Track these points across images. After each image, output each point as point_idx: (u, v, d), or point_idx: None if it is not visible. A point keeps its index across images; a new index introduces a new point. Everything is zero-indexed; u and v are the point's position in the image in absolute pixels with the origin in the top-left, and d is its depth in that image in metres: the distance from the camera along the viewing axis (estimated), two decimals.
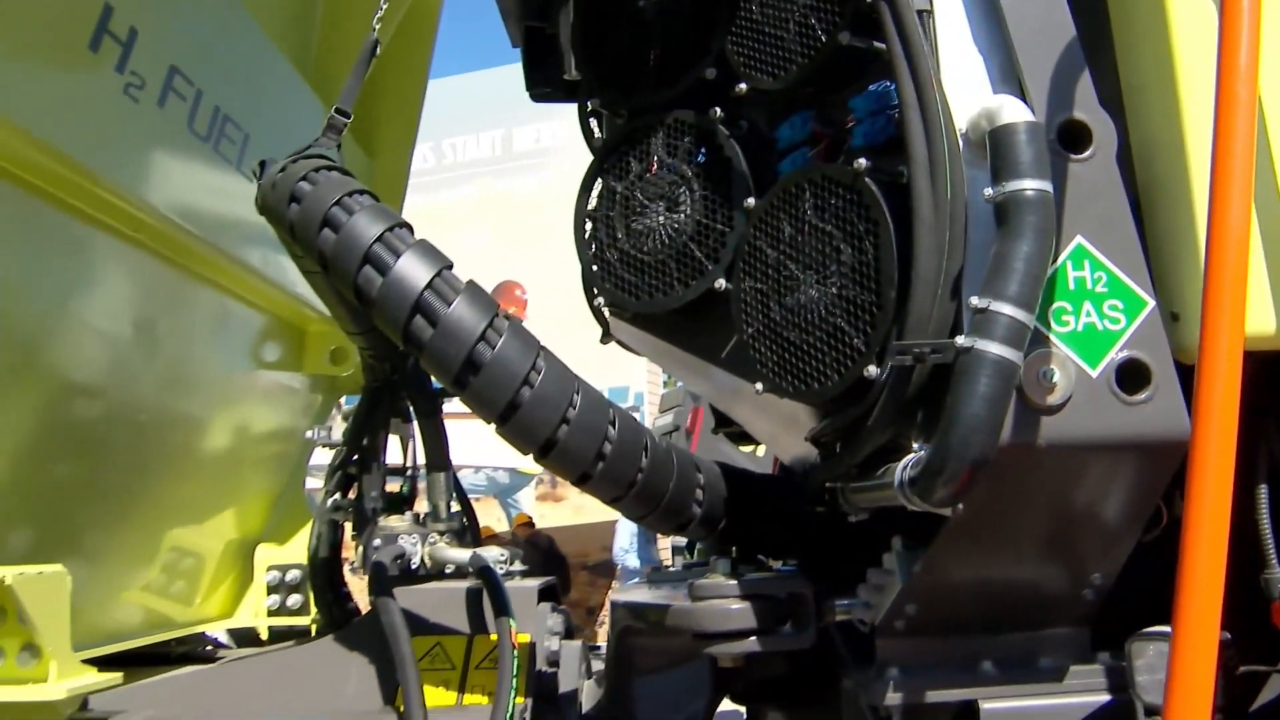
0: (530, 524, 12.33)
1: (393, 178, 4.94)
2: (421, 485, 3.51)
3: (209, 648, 4.10)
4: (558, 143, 16.80)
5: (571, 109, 3.22)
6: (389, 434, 3.54)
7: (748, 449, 5.70)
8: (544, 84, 3.30)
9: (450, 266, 2.30)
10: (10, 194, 2.68)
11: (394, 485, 3.55)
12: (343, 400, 4.89)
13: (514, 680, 2.46)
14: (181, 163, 3.28)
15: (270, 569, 4.13)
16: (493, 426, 2.27)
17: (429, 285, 2.22)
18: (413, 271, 2.23)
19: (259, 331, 4.22)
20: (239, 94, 3.57)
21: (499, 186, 17.20)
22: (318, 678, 2.77)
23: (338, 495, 3.53)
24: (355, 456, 3.47)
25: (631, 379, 14.75)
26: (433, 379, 3.40)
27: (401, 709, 2.53)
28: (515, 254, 15.64)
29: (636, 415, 14.45)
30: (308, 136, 4.09)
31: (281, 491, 4.50)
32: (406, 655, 2.49)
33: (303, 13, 4.44)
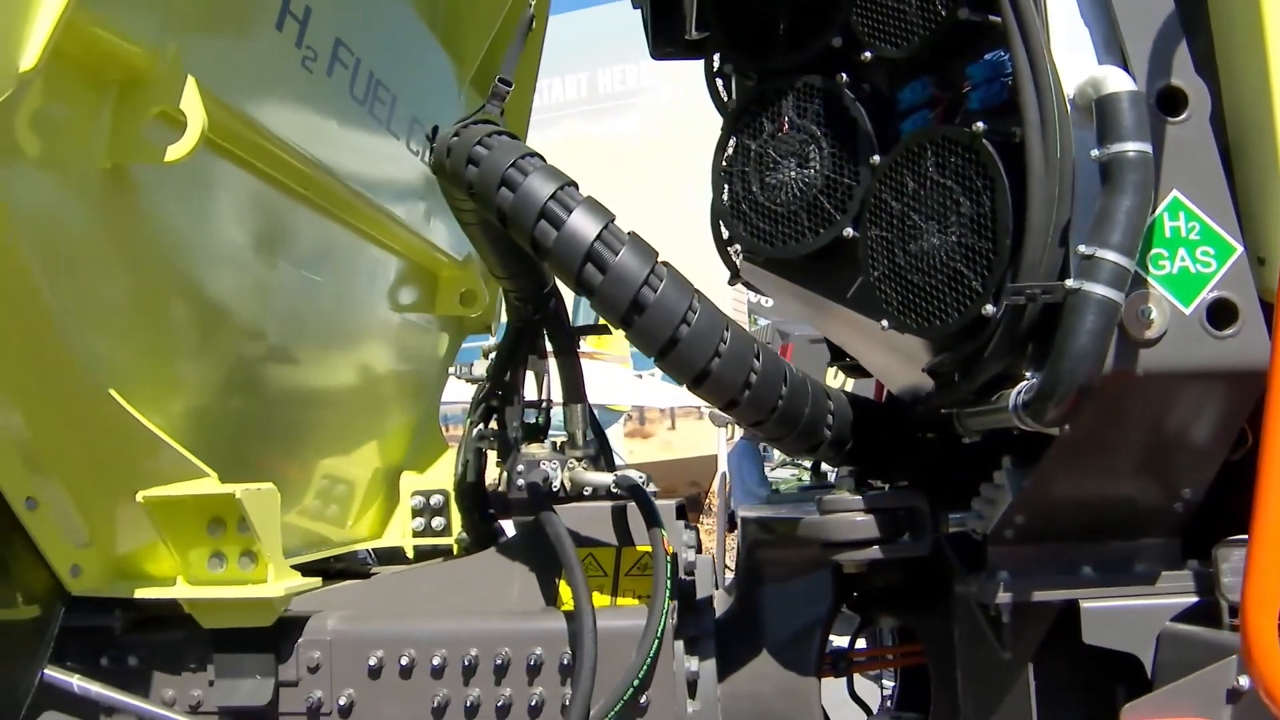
0: None
1: (516, 127, 5.22)
2: (556, 417, 3.85)
3: (363, 564, 4.48)
4: (642, 84, 16.91)
5: None
6: (527, 370, 3.87)
7: (838, 381, 5.94)
8: (667, 43, 3.51)
9: (614, 219, 2.62)
10: (208, 159, 3.02)
11: (529, 417, 3.88)
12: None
13: (668, 582, 2.80)
14: (344, 125, 3.61)
15: (415, 494, 4.47)
16: (654, 359, 2.60)
17: (598, 237, 2.54)
18: (583, 225, 2.56)
19: (399, 276, 4.55)
20: (388, 60, 3.88)
21: (585, 129, 17.42)
22: (486, 584, 3.14)
23: (481, 425, 3.87)
24: (498, 390, 3.81)
25: None
26: (568, 319, 3.73)
27: (565, 609, 2.89)
28: (603, 196, 15.86)
29: None
30: (442, 93, 4.42)
31: (419, 424, 4.85)
32: (573, 560, 2.84)
33: None
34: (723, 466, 12.12)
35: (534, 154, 2.68)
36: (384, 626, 2.92)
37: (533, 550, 3.13)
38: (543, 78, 16.53)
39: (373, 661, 2.83)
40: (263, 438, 3.76)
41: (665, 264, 2.58)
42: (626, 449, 14.33)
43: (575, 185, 2.66)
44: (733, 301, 10.98)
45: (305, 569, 3.97)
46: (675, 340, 2.53)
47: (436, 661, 2.81)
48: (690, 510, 12.52)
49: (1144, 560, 2.61)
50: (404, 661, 2.81)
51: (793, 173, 2.81)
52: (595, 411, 11.21)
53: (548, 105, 17.58)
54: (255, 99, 3.03)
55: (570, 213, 2.56)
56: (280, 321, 3.68)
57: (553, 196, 2.58)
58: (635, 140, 16.07)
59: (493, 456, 3.92)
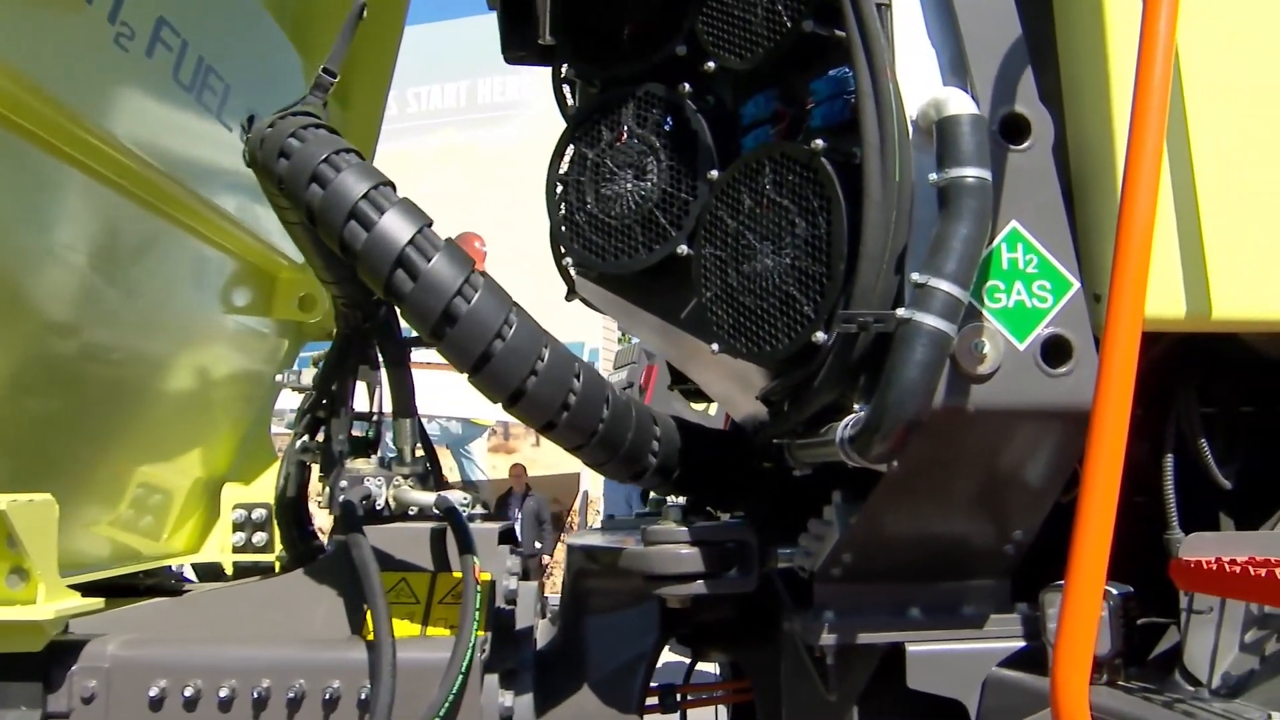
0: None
1: (365, 128, 5.02)
2: (386, 430, 3.65)
3: (175, 581, 4.22)
4: (523, 96, 16.78)
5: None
6: (357, 380, 3.67)
7: (700, 406, 5.89)
8: (519, 47, 3.38)
9: (431, 224, 2.44)
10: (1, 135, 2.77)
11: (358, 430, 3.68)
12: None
13: (476, 614, 2.63)
14: (165, 111, 3.37)
15: (236, 507, 4.24)
16: (465, 375, 2.43)
17: (410, 241, 2.37)
18: (396, 228, 2.38)
19: (232, 276, 4.32)
20: (222, 46, 3.66)
21: (462, 137, 17.21)
22: (288, 608, 2.92)
23: (306, 437, 3.65)
24: (324, 401, 3.60)
25: (587, 336, 14.91)
26: (402, 328, 3.54)
27: (369, 639, 2.69)
28: (476, 206, 15.66)
29: None
30: (286, 87, 4.20)
31: (247, 433, 4.61)
32: (376, 587, 2.65)
33: None
34: (585, 485, 12.00)
35: (350, 150, 2.50)
36: (169, 653, 2.68)
37: (342, 574, 2.93)
38: (421, 84, 16.35)
39: (154, 692, 2.59)
40: (69, 441, 3.51)
41: (483, 273, 2.42)
42: (490, 464, 14.11)
43: (391, 186, 2.48)
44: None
45: (109, 586, 3.72)
46: (488, 356, 2.36)
47: (225, 693, 2.59)
48: (554, 528, 12.36)
49: (973, 602, 2.53)
50: (189, 693, 2.59)
51: (629, 185, 2.68)
52: (459, 425, 10.98)
53: (426, 112, 17.37)
54: (56, 74, 2.79)
55: (382, 214, 2.39)
56: (92, 318, 3.44)
57: (365, 196, 2.40)
58: (513, 150, 15.91)
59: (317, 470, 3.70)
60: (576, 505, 13.08)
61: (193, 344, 4.16)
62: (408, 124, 17.00)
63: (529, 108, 16.07)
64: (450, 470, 13.36)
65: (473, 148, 17.05)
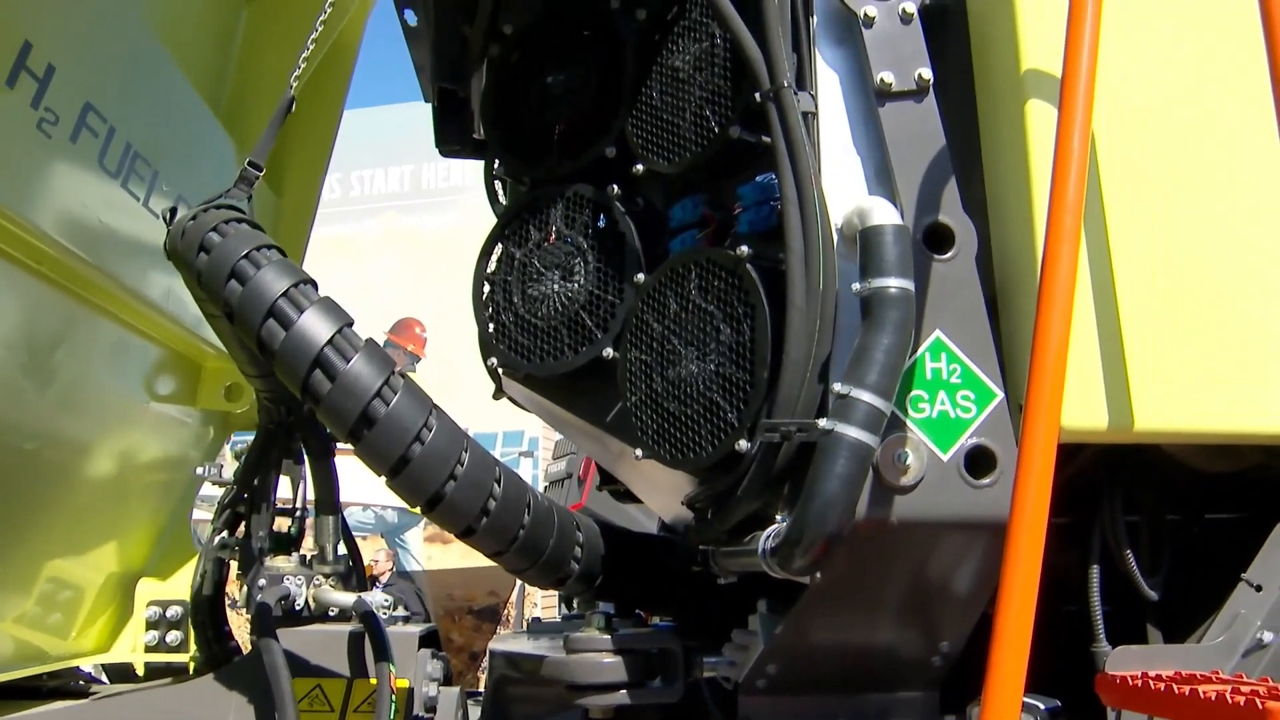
0: None
1: (299, 215, 4.98)
2: (310, 526, 3.57)
3: (82, 683, 4.07)
4: (466, 181, 16.83)
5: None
6: (280, 474, 3.59)
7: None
8: (454, 140, 3.39)
9: (351, 324, 2.40)
10: None
11: (281, 524, 3.59)
12: (231, 438, 4.90)
13: None
14: (89, 198, 3.32)
15: (151, 604, 4.12)
16: (383, 479, 2.37)
17: (329, 342, 2.32)
18: (314, 327, 2.33)
19: (154, 364, 4.24)
20: (151, 131, 3.62)
21: (405, 222, 17.19)
22: (195, 716, 2.81)
23: (225, 533, 3.56)
24: (245, 495, 3.51)
25: (527, 423, 14.79)
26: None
27: None
28: (418, 291, 15.63)
29: (530, 460, 14.48)
30: (217, 173, 4.16)
31: (166, 525, 4.49)
32: (287, 696, 2.55)
33: (219, 47, 4.49)
34: None
35: (272, 246, 2.46)
36: None
37: (255, 679, 2.83)
38: (365, 168, 16.31)
39: None
40: None
41: (402, 374, 2.37)
42: (425, 554, 13.86)
43: (313, 284, 2.44)
44: None
45: (9, 688, 3.57)
46: (407, 459, 2.31)
47: None
48: (487, 621, 12.09)
49: (901, 715, 2.48)
50: None
51: (556, 285, 2.65)
52: (394, 514, 10.77)
53: (369, 196, 17.35)
54: None
55: (301, 313, 2.34)
56: (4, 403, 3.33)
57: (284, 294, 2.35)
58: (455, 235, 15.91)
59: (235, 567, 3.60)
60: (513, 598, 12.86)
61: (112, 432, 4.06)
62: (351, 208, 16.97)
63: (472, 193, 16.09)
64: (386, 560, 13.10)
65: (415, 232, 17.03)
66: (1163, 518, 2.65)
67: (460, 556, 14.48)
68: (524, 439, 14.69)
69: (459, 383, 11.23)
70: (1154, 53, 2.39)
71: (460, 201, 16.43)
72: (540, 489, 10.19)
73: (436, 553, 14.35)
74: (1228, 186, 2.37)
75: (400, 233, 17.04)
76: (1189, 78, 2.40)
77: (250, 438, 4.13)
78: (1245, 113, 2.34)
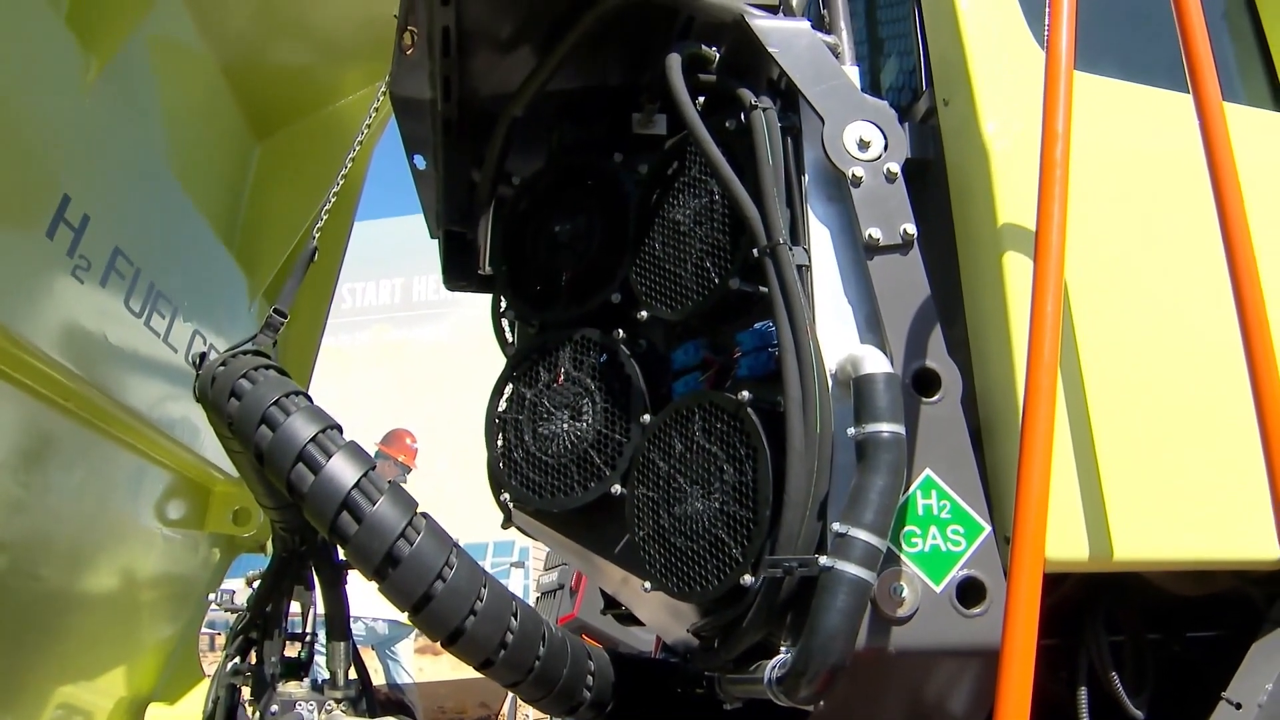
0: None
1: (303, 347, 5.14)
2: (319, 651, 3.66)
3: None
4: (456, 295, 16.95)
5: None
6: (291, 600, 3.69)
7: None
8: (460, 276, 3.55)
9: (374, 468, 2.54)
10: None
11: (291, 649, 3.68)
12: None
13: None
14: (116, 337, 3.48)
15: None
16: (406, 615, 2.49)
17: (355, 485, 2.46)
18: (341, 472, 2.47)
19: (166, 489, 4.35)
20: (172, 270, 3.80)
21: (396, 334, 17.33)
22: None
23: (237, 659, 3.65)
24: (258, 622, 3.61)
25: (517, 534, 14.77)
26: (338, 552, 3.58)
27: None
28: (408, 402, 15.70)
29: (521, 570, 14.43)
30: (230, 307, 4.34)
31: (174, 648, 4.56)
32: None
33: (232, 183, 4.69)
34: None
35: (299, 392, 2.61)
36: None
37: None
38: (356, 281, 16.35)
39: None
40: None
41: (424, 515, 2.51)
42: (416, 666, 13.71)
43: (339, 429, 2.59)
44: None
45: None
46: (429, 597, 2.44)
47: None
48: None
49: None
50: None
51: (565, 425, 2.80)
52: (385, 625, 10.69)
53: (360, 309, 17.49)
54: (10, 306, 2.89)
55: (329, 458, 2.48)
56: (22, 532, 3.44)
57: (313, 440, 2.50)
58: (446, 348, 16.06)
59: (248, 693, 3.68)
60: (505, 710, 12.75)
61: (124, 556, 4.16)
62: (342, 320, 17.08)
63: (462, 306, 16.28)
64: (375, 672, 13.00)
65: (406, 344, 17.15)
66: (1145, 638, 2.78)
67: (451, 668, 14.34)
68: (514, 549, 14.64)
69: (451, 491, 11.28)
70: (1120, 205, 2.59)
71: (450, 315, 16.55)
72: (532, 600, 10.21)
73: (427, 664, 14.22)
74: (1194, 329, 2.55)
75: (390, 345, 17.14)
76: (1154, 229, 2.60)
77: (256, 560, 4.25)
78: (1208, 259, 2.51)
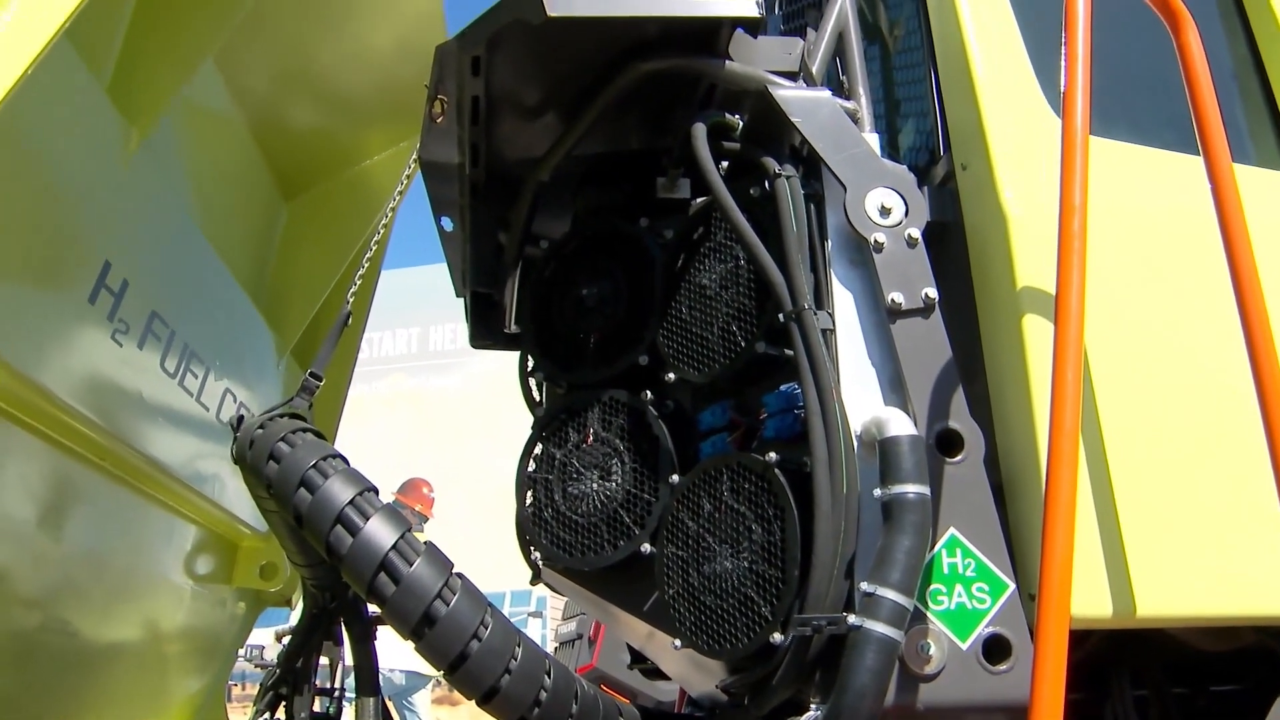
0: None
1: (330, 402, 5.21)
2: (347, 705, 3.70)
3: None
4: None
5: None
6: (320, 656, 3.73)
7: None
8: (486, 335, 3.61)
9: (410, 529, 2.60)
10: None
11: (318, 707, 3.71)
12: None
13: None
14: (150, 397, 3.55)
15: None
16: (442, 674, 2.54)
17: (393, 547, 2.52)
18: (379, 534, 2.53)
19: (195, 545, 4.41)
20: (206, 332, 3.88)
21: (412, 383, 17.46)
22: None
23: (267, 715, 3.68)
24: (289, 678, 3.65)
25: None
26: (367, 608, 3.64)
27: None
28: (424, 451, 15.79)
29: (539, 620, 14.45)
30: (258, 365, 4.41)
31: (203, 702, 4.60)
32: None
33: (261, 243, 4.78)
34: None
35: (336, 455, 2.67)
36: None
37: None
38: (373, 330, 16.49)
39: None
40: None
41: (459, 575, 2.56)
42: (434, 717, 13.71)
43: (375, 491, 2.65)
44: None
45: None
46: (465, 656, 2.48)
47: None
48: None
49: None
50: None
51: (594, 484, 2.86)
52: (402, 676, 10.71)
53: (378, 358, 17.64)
54: (54, 370, 2.97)
55: (367, 520, 2.54)
56: (55, 591, 3.50)
57: (351, 502, 2.56)
58: (461, 397, 16.16)
59: None
60: None
61: (152, 612, 4.21)
62: (360, 369, 17.18)
63: (477, 356, 16.38)
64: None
65: (422, 393, 17.28)
66: (1169, 692, 2.82)
67: (469, 717, 14.36)
68: (532, 598, 14.66)
69: (468, 539, 11.32)
70: (1136, 269, 2.66)
71: (466, 364, 16.69)
72: (550, 649, 10.21)
73: (445, 715, 14.22)
74: (1211, 386, 2.60)
75: (406, 394, 17.27)
76: (1169, 290, 2.67)
77: (281, 614, 4.29)
78: (1223, 318, 2.56)
